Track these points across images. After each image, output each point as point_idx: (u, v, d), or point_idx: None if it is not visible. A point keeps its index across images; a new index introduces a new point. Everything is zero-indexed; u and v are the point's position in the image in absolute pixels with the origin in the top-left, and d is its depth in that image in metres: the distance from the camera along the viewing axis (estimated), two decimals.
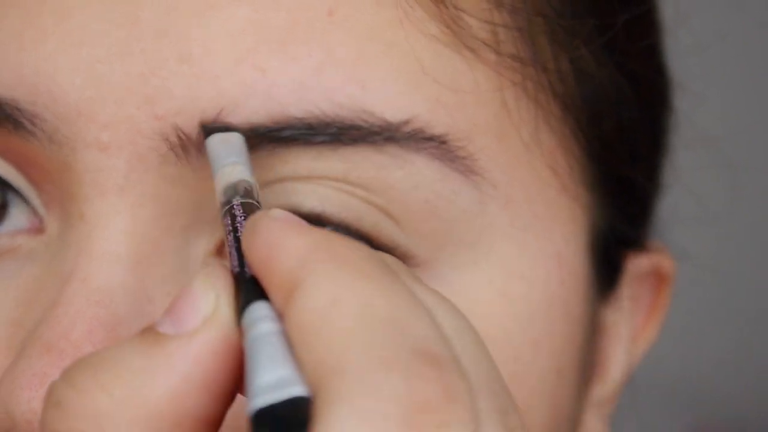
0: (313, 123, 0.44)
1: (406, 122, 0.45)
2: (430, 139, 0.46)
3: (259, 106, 0.44)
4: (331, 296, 0.36)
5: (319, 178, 0.45)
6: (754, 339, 1.32)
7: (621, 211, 0.54)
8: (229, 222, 0.41)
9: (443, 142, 0.46)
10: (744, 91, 1.25)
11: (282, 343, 0.36)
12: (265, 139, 0.44)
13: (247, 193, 0.42)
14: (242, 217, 0.40)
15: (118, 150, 0.44)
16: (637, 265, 0.58)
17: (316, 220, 0.45)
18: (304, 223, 0.38)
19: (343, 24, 0.45)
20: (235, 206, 0.41)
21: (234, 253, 0.39)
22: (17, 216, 0.48)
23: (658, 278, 0.60)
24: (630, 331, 0.58)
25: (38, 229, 0.47)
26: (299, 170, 0.45)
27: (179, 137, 0.44)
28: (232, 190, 0.42)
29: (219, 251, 0.46)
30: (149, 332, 0.38)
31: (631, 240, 0.57)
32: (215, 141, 0.44)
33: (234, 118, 0.44)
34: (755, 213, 1.23)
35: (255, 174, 0.45)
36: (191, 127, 0.44)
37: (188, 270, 0.46)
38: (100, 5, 0.45)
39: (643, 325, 0.60)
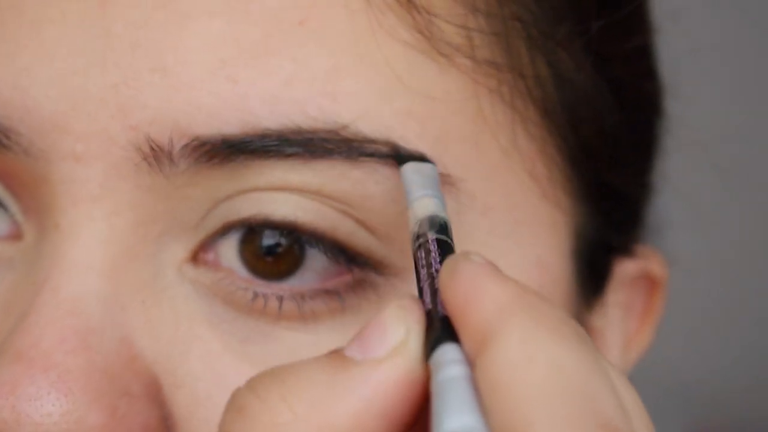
0: (286, 135, 0.44)
1: (380, 137, 0.45)
2: (404, 153, 0.45)
3: (232, 117, 0.44)
4: (527, 354, 0.36)
5: (293, 189, 0.45)
6: (754, 341, 1.31)
7: (606, 217, 0.54)
8: (423, 256, 0.41)
9: (416, 153, 0.46)
10: (737, 93, 1.24)
11: (471, 391, 0.36)
12: (237, 150, 0.44)
13: (442, 229, 0.42)
14: (437, 254, 0.41)
15: (92, 160, 0.44)
16: (625, 270, 0.58)
17: (290, 228, 0.45)
18: (501, 271, 0.39)
19: (314, 35, 0.45)
20: (430, 241, 0.41)
21: (427, 289, 0.40)
22: None
23: (650, 283, 0.60)
24: (621, 336, 0.58)
25: (17, 235, 0.47)
26: (274, 182, 0.45)
27: (151, 147, 0.44)
28: (427, 223, 0.42)
29: (194, 258, 0.46)
30: (336, 355, 0.38)
31: (618, 245, 0.57)
32: (409, 170, 0.44)
33: (206, 129, 0.44)
34: (756, 214, 1.23)
35: (229, 184, 0.45)
36: (163, 138, 0.44)
37: (162, 278, 0.46)
38: (75, 19, 0.45)
39: (636, 330, 0.60)
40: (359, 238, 0.46)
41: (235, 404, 0.38)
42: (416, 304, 0.39)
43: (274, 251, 0.46)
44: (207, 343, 0.45)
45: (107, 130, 0.44)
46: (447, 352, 0.37)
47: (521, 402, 0.35)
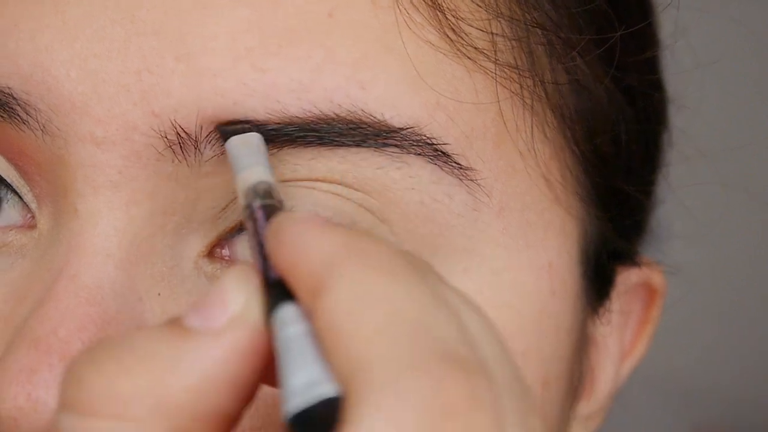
0: (312, 123, 0.44)
1: (407, 126, 0.45)
2: (429, 143, 0.46)
3: (258, 106, 0.44)
4: (357, 296, 0.36)
5: (316, 180, 0.45)
6: (756, 346, 1.32)
7: (613, 224, 0.54)
8: (251, 225, 0.41)
9: (442, 146, 0.46)
10: (739, 106, 1.25)
11: (312, 344, 0.37)
12: (263, 138, 0.44)
13: (267, 194, 0.41)
14: (263, 220, 0.40)
15: (112, 146, 0.44)
16: (627, 278, 0.58)
17: None
18: (328, 221, 0.38)
19: (343, 26, 0.45)
20: (255, 209, 0.41)
21: (258, 256, 0.40)
22: (9, 212, 0.48)
23: (649, 293, 0.60)
24: (619, 345, 0.58)
25: (30, 225, 0.47)
26: (298, 169, 0.45)
27: (178, 135, 0.44)
28: (252, 192, 0.42)
29: (210, 253, 0.46)
30: (175, 324, 0.38)
31: (622, 253, 0.57)
32: (235, 143, 0.44)
33: (232, 117, 0.44)
34: (758, 224, 1.23)
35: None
36: (190, 125, 0.44)
37: (179, 271, 0.46)
38: (99, 2, 0.45)
39: (633, 339, 0.60)
40: (377, 234, 0.46)
41: (74, 376, 0.37)
42: (253, 270, 0.39)
43: None
44: None
45: (128, 116, 0.44)
46: (284, 312, 0.37)
47: (358, 345, 0.35)
